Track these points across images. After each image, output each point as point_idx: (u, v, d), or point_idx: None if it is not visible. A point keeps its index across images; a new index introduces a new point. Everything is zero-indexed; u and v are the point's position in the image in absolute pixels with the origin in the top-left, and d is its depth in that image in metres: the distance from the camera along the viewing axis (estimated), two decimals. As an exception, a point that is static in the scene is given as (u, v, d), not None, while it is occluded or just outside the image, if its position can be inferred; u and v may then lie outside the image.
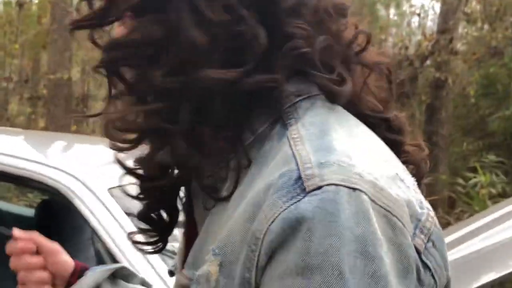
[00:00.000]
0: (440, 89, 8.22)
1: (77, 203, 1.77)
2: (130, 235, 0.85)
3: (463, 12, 8.70)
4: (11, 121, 9.45)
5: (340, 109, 0.68)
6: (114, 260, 1.81)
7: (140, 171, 0.74)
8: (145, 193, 0.77)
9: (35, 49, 10.09)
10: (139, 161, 0.73)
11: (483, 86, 8.88)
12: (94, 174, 1.93)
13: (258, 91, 0.66)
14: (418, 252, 0.62)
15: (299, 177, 0.59)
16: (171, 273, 0.86)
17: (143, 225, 0.80)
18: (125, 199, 2.00)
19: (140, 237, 0.85)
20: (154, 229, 0.80)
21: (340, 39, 0.71)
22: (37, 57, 10.65)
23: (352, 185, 0.58)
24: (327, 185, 0.58)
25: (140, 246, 0.83)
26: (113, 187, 1.88)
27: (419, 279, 0.62)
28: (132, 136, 0.71)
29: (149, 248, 0.82)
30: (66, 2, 7.59)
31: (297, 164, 0.60)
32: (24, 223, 2.94)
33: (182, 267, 0.76)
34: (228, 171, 0.67)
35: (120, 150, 0.73)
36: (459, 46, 8.99)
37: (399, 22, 11.86)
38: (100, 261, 3.03)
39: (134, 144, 0.71)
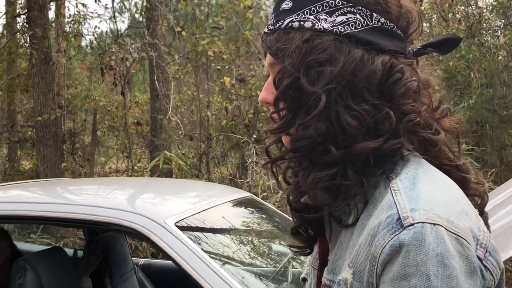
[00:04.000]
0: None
1: (154, 238, 2.08)
2: (290, 247, 1.18)
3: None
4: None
5: (424, 162, 1.01)
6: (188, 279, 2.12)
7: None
8: (297, 219, 1.11)
9: (12, 94, 10.09)
10: (292, 203, 1.09)
11: (445, 79, 9.31)
12: (161, 212, 2.26)
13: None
14: (480, 259, 0.90)
15: (399, 218, 0.89)
16: (304, 280, 1.20)
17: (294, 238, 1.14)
18: (188, 230, 2.33)
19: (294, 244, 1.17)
20: (302, 240, 1.14)
21: (429, 106, 1.03)
22: (13, 101, 10.64)
23: (433, 221, 0.87)
24: (417, 223, 0.87)
25: (295, 250, 1.17)
26: (178, 221, 2.21)
27: (482, 276, 0.89)
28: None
29: (300, 251, 1.16)
30: (44, 44, 7.77)
31: (397, 210, 0.90)
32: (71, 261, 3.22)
33: (319, 270, 1.10)
34: (351, 207, 1.00)
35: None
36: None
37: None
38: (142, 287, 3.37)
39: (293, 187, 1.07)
